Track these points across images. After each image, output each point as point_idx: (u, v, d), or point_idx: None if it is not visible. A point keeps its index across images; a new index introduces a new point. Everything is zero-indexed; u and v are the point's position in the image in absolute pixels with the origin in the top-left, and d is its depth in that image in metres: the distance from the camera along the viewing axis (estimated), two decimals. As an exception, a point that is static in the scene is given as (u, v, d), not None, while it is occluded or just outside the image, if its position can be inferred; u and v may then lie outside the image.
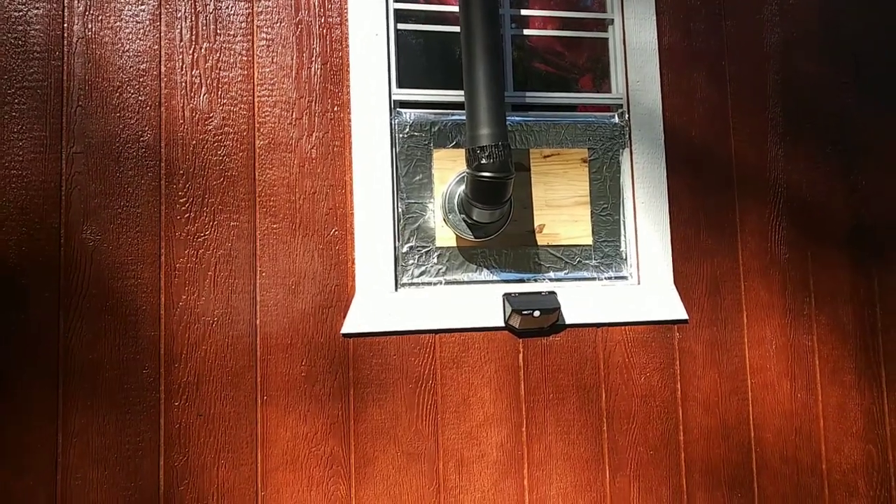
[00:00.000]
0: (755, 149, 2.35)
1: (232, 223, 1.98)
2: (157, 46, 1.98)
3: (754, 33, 2.39)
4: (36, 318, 1.85)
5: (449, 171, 2.13)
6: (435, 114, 2.14)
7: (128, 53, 1.96)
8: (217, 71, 2.01)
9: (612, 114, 2.27)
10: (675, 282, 2.23)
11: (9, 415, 1.81)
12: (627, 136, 2.25)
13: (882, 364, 2.37)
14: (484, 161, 1.90)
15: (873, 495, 2.32)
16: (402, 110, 2.12)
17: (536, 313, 2.04)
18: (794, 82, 2.41)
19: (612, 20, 2.29)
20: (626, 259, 2.24)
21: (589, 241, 2.21)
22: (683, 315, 2.22)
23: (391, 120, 2.09)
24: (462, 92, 2.12)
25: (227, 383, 1.94)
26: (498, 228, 2.10)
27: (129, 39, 1.97)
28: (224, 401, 1.93)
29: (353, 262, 2.03)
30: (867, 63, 2.48)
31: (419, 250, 2.10)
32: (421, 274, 2.10)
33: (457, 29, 2.19)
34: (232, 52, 2.03)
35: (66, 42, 1.93)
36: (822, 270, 2.36)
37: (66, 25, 1.93)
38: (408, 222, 2.10)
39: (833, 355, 2.34)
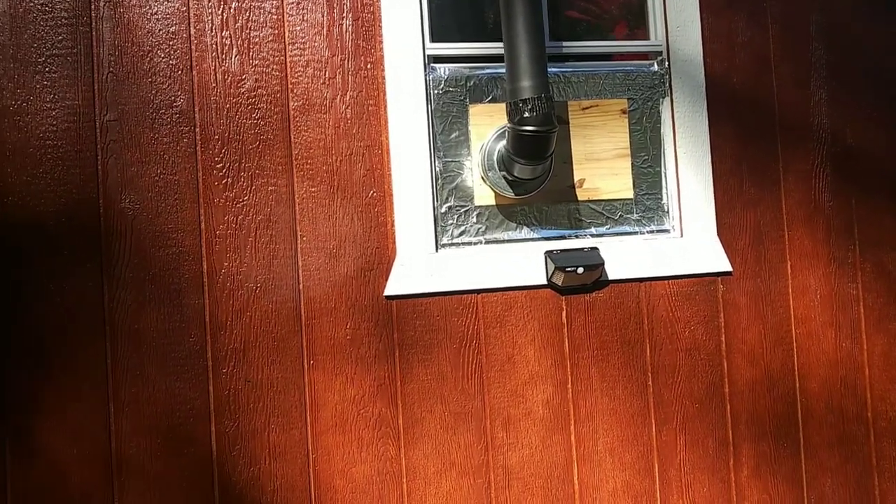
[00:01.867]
0: (798, 94, 2.29)
1: (270, 188, 1.95)
2: (185, 8, 1.93)
3: (796, -28, 2.31)
4: (79, 288, 1.84)
5: (486, 126, 2.08)
6: (469, 68, 2.09)
7: (156, 16, 1.91)
8: (247, 31, 1.96)
9: (650, 62, 2.21)
10: (719, 233, 2.19)
11: (60, 384, 1.82)
12: (668, 85, 2.19)
13: (928, 310, 2.35)
14: (527, 114, 1.85)
15: (918, 441, 2.32)
16: (436, 65, 2.07)
17: (580, 270, 2.01)
18: (837, 22, 2.33)
19: (650, -37, 2.21)
20: (668, 212, 2.20)
21: (630, 194, 2.17)
22: (727, 267, 2.19)
23: (426, 76, 2.04)
24: (497, 44, 2.07)
25: (273, 349, 1.93)
26: (539, 185, 2.06)
27: (156, 1, 1.91)
28: (271, 366, 1.93)
29: (392, 224, 2.01)
30: (914, 0, 2.39)
31: (458, 210, 2.07)
32: (461, 234, 2.07)
33: (490, -21, 2.13)
34: (261, 11, 1.97)
35: (93, 6, 1.88)
36: (867, 218, 2.31)
37: (92, -11, 1.89)
38: (445, 181, 2.07)
39: (878, 303, 2.31)
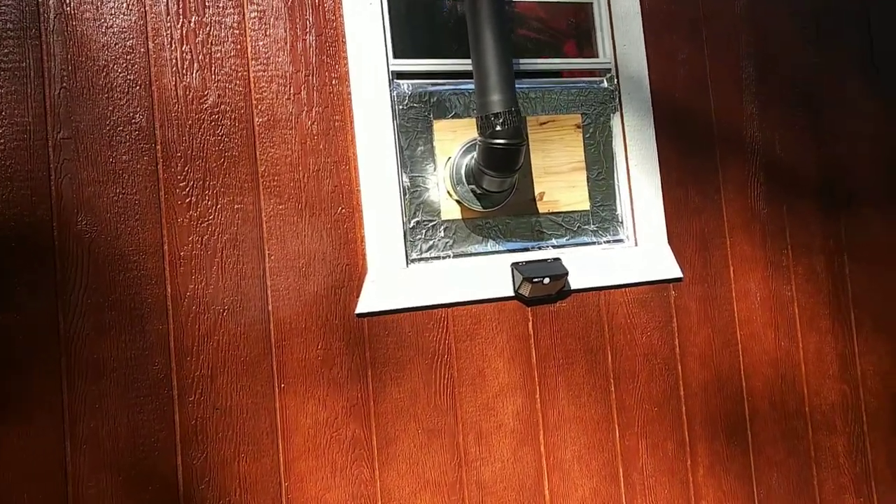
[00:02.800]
0: (732, 108, 2.43)
1: (236, 206, 1.89)
2: (142, 21, 1.85)
3: (726, -5, 2.46)
4: (33, 317, 1.71)
5: (450, 141, 2.10)
6: (433, 84, 2.10)
7: (112, 30, 1.82)
8: (208, 46, 1.90)
9: (600, 79, 2.29)
10: (669, 241, 2.29)
11: (12, 421, 1.68)
12: (618, 101, 2.28)
13: (851, 309, 2.53)
14: (498, 128, 1.88)
15: (849, 431, 2.48)
16: (400, 81, 2.07)
17: (546, 280, 2.05)
18: (763, 43, 2.50)
19: (597, -15, 2.30)
20: (622, 222, 2.28)
21: (587, 206, 2.24)
22: (678, 273, 2.29)
23: (391, 91, 2.03)
24: (459, 60, 2.11)
25: (242, 373, 1.86)
26: (505, 198, 2.09)
27: (111, 14, 1.82)
28: (241, 392, 1.86)
29: (362, 240, 1.98)
30: (828, 22, 2.59)
31: (426, 224, 2.07)
32: (429, 248, 2.07)
33: (449, -4, 2.17)
34: (222, 26, 1.91)
35: (42, 18, 1.77)
36: (797, 223, 2.48)
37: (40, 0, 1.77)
38: (413, 196, 2.07)
39: (810, 303, 2.47)
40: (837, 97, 2.57)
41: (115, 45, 1.82)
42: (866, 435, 2.51)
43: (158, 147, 1.84)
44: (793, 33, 2.54)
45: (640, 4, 2.32)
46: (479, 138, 1.93)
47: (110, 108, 1.81)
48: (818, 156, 2.53)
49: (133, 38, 1.84)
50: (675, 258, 2.29)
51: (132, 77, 1.83)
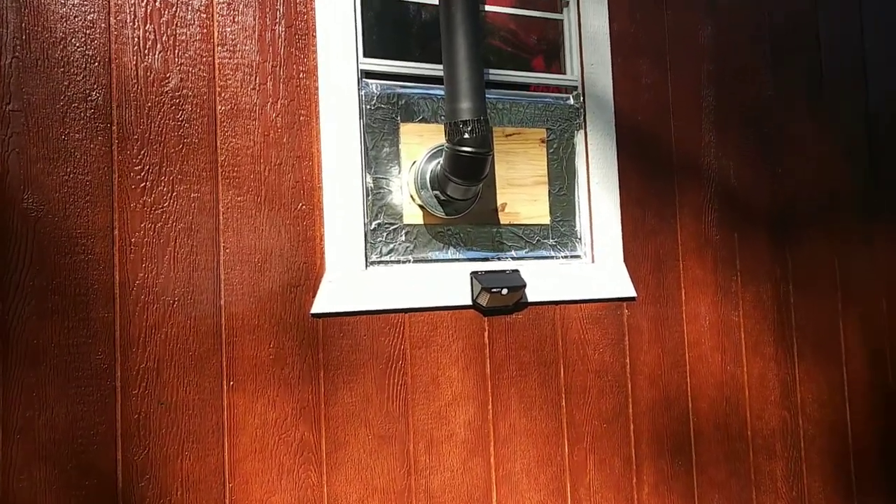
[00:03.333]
0: (691, 134, 2.48)
1: (193, 194, 1.82)
2: (105, -4, 1.78)
3: (690, 24, 2.52)
4: (-33, 298, 1.61)
5: (416, 145, 2.07)
6: (402, 86, 2.08)
7: (71, 1, 1.74)
8: (173, 27, 1.83)
9: (567, 95, 2.31)
10: (625, 260, 2.31)
11: (-63, 410, 1.57)
12: (583, 118, 2.30)
13: (794, 337, 2.59)
14: (466, 136, 1.87)
15: (787, 456, 2.53)
16: (369, 80, 2.04)
17: (505, 291, 2.04)
18: (723, 72, 2.56)
19: (568, 2, 2.32)
20: (580, 238, 2.29)
21: (547, 220, 2.24)
22: (632, 293, 2.30)
23: (359, 90, 2.00)
24: (429, 65, 2.10)
25: (190, 368, 1.78)
26: (469, 206, 2.08)
27: (74, -14, 1.75)
28: (188, 387, 1.78)
29: (321, 239, 1.94)
30: (781, 57, 2.68)
31: (387, 227, 2.04)
32: (389, 252, 2.04)
33: None
34: (189, 8, 1.85)
35: (-2, -17, 1.69)
36: (747, 250, 2.54)
37: (-1, -36, 1.69)
38: (376, 198, 2.03)
39: (755, 329, 2.52)
40: (788, 127, 2.66)
41: (75, 17, 1.74)
42: (803, 460, 2.56)
43: (114, 128, 1.76)
44: (751, 64, 2.62)
45: (609, 26, 2.35)
46: (446, 144, 1.92)
47: (65, 84, 1.72)
48: (769, 185, 2.60)
49: (94, 12, 1.76)
50: (630, 277, 2.31)
51: (91, 53, 1.75)
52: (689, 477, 2.35)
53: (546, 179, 2.24)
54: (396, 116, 2.07)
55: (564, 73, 2.33)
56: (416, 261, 2.06)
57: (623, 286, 2.29)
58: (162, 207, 1.79)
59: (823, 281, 2.67)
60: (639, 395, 2.30)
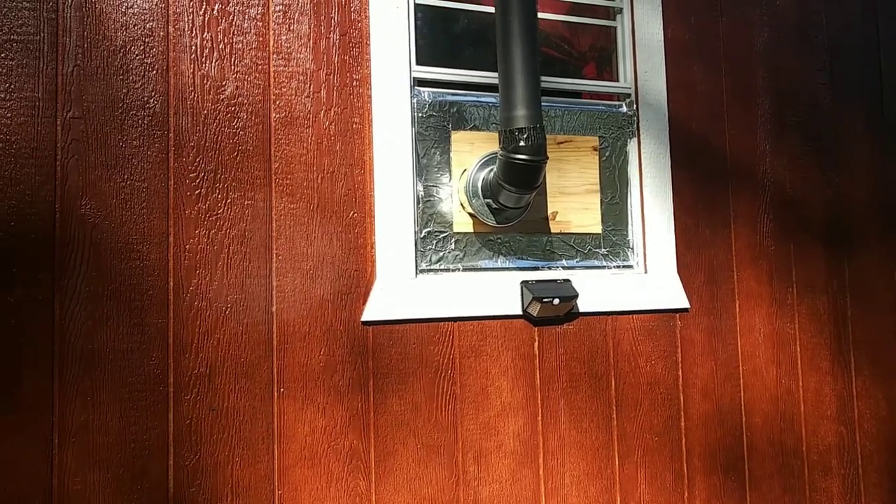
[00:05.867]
0: (746, 143, 2.43)
1: (246, 202, 1.83)
2: (164, 4, 1.79)
3: (746, 31, 2.46)
4: (28, 301, 1.63)
5: (467, 153, 2.06)
6: (453, 94, 2.07)
7: (132, 10, 1.77)
8: (230, 36, 1.85)
9: (619, 103, 2.27)
10: (678, 271, 2.27)
11: (-3, 412, 1.60)
12: (636, 126, 2.26)
13: (851, 350, 2.52)
14: (522, 143, 1.84)
15: (844, 473, 2.46)
16: (421, 88, 2.03)
17: (556, 301, 2.01)
18: (778, 80, 2.50)
19: (621, 9, 2.29)
20: (632, 248, 2.25)
21: (599, 229, 2.20)
22: (685, 304, 2.26)
23: (412, 98, 2.00)
24: (481, 73, 2.08)
25: (241, 374, 1.79)
26: (520, 214, 2.05)
27: (133, -6, 1.77)
28: (239, 393, 1.78)
29: (372, 247, 1.93)
30: (841, 64, 2.61)
31: (437, 235, 2.03)
32: (439, 260, 2.02)
33: (476, 7, 2.14)
34: (246, 17, 1.87)
35: (61, -7, 1.71)
36: (803, 262, 2.47)
37: (62, -26, 1.72)
38: (426, 206, 2.02)
39: (811, 343, 2.45)
40: (845, 137, 2.58)
41: (134, 25, 1.77)
42: (861, 478, 2.48)
43: (171, 135, 1.78)
44: (807, 72, 2.55)
45: (664, 32, 2.31)
46: (500, 152, 1.89)
47: (124, 91, 1.75)
48: (826, 196, 2.53)
49: (153, 20, 1.78)
50: (683, 288, 2.26)
51: (149, 61, 1.77)
52: (741, 493, 2.29)
53: (598, 188, 2.21)
54: (448, 124, 2.06)
55: (617, 81, 2.29)
56: (465, 269, 2.05)
57: (676, 297, 2.24)
58: (216, 214, 1.80)
59: (882, 294, 2.59)
60: (691, 409, 2.25)
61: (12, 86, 1.66)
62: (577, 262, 2.18)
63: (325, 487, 1.84)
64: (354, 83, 1.95)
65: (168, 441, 1.72)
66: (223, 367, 1.78)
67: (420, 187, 2.01)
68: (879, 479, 2.51)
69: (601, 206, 2.21)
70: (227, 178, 1.82)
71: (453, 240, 2.04)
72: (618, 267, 2.23)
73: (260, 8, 1.88)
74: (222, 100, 1.83)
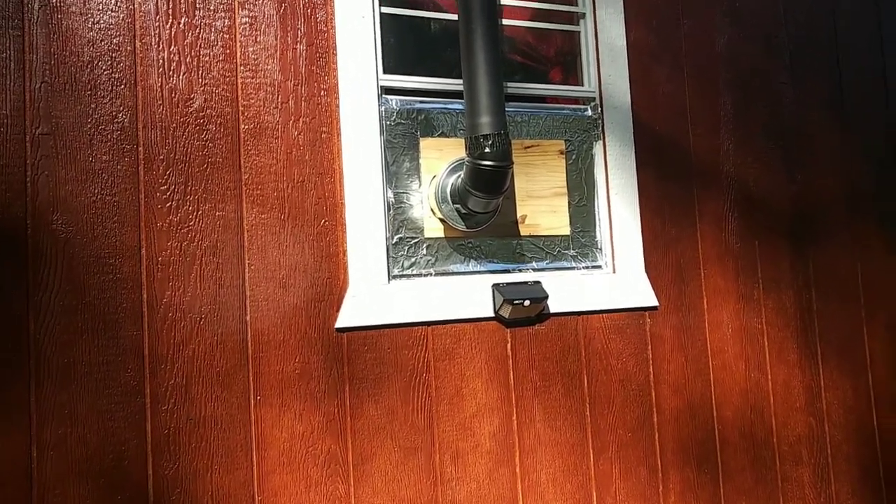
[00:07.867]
0: (710, 142, 2.48)
1: (218, 213, 1.85)
2: (130, 19, 1.81)
3: (707, 32, 2.52)
4: (2, 317, 1.64)
5: (436, 160, 2.09)
6: (421, 102, 2.10)
7: (98, 26, 1.78)
8: (197, 49, 1.87)
9: (584, 107, 2.32)
10: (646, 270, 2.31)
11: (-28, 429, 1.61)
12: (601, 129, 2.31)
13: (818, 343, 2.58)
14: (487, 150, 1.88)
15: (814, 462, 2.52)
16: (389, 97, 2.06)
17: (527, 302, 2.05)
18: (740, 81, 2.56)
19: (584, 14, 2.34)
20: (601, 249, 2.29)
21: (567, 231, 2.25)
22: (654, 302, 2.31)
23: (379, 106, 2.03)
24: (447, 80, 2.12)
25: (218, 384, 1.81)
26: (489, 219, 2.09)
27: (99, 10, 1.79)
28: (216, 402, 1.80)
29: (344, 254, 1.96)
30: (800, 64, 2.68)
31: (408, 241, 2.06)
32: (411, 266, 2.05)
33: (441, 16, 2.18)
34: (212, 29, 1.89)
35: (25, 9, 1.73)
36: (768, 258, 2.53)
37: (27, -8, 1.73)
38: (397, 213, 2.05)
39: (779, 337, 2.51)
40: (808, 134, 2.66)
41: (101, 41, 1.78)
42: (830, 466, 2.54)
43: (140, 148, 1.80)
44: (768, 71, 2.62)
45: (626, 36, 2.36)
46: (467, 159, 1.93)
47: (93, 106, 1.76)
48: (790, 192, 2.59)
49: (120, 35, 1.80)
50: (652, 286, 2.31)
51: (117, 75, 1.79)
52: (715, 485, 2.34)
53: (565, 191, 2.25)
54: (416, 131, 2.09)
55: (582, 85, 2.34)
56: (437, 274, 2.08)
57: (645, 295, 2.29)
58: (188, 226, 1.82)
59: (846, 287, 2.66)
60: (663, 404, 2.29)
61: (-20, 104, 1.67)
62: (546, 263, 2.22)
63: (304, 492, 1.86)
64: (322, 93, 1.98)
65: (147, 451, 1.74)
66: (199, 377, 1.79)
67: (390, 194, 2.05)
68: (848, 466, 2.57)
69: (569, 208, 2.26)
70: (198, 190, 1.84)
71: (425, 245, 2.08)
72: (587, 267, 2.27)
73: (226, 20, 1.91)
74: (191, 112, 1.85)
